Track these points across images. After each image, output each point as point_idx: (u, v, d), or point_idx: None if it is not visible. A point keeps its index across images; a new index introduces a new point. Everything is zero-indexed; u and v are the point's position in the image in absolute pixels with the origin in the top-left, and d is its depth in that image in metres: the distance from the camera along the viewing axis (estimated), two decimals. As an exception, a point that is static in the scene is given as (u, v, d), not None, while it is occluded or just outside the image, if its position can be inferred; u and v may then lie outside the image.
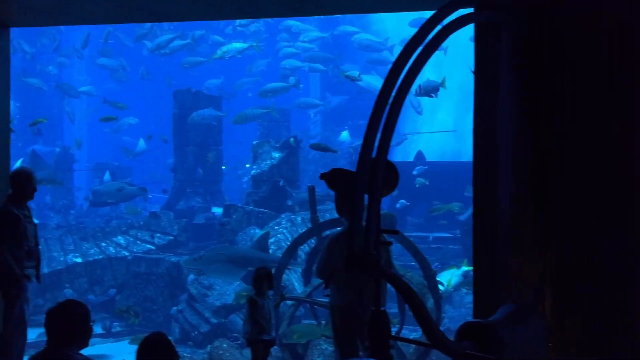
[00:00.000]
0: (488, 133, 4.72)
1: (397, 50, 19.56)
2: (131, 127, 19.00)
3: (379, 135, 3.17)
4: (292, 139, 13.61)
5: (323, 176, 3.49)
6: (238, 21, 19.12)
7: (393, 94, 3.16)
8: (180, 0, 5.68)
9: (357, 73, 11.43)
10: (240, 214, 12.20)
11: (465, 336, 3.24)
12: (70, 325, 3.61)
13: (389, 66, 3.24)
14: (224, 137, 16.78)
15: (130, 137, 20.01)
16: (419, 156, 15.23)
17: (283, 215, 11.97)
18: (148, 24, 18.39)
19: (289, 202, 12.52)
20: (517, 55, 3.94)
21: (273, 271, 6.10)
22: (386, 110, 3.17)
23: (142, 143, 18.76)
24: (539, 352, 3.58)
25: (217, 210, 14.25)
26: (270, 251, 10.85)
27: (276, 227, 11.45)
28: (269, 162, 13.40)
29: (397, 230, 3.72)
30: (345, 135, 18.52)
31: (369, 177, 2.91)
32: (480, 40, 4.73)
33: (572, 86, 3.64)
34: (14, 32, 6.46)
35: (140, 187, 15.85)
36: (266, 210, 12.22)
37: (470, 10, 4.70)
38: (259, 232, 11.78)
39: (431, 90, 11.58)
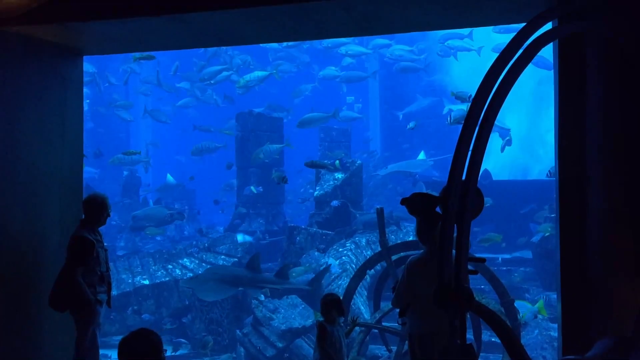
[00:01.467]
0: (575, 150, 4.43)
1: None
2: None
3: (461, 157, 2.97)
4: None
5: (404, 201, 3.31)
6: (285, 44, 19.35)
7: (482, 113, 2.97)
8: (248, 24, 5.66)
9: (469, 94, 11.23)
10: (304, 236, 12.09)
11: (566, 375, 2.98)
12: (144, 356, 3.53)
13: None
14: (286, 158, 16.83)
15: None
16: (486, 175, 14.79)
17: (347, 237, 11.79)
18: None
19: (353, 226, 12.35)
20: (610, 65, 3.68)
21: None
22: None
23: (170, 178, 19.26)
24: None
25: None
26: (335, 274, 10.70)
27: (340, 249, 11.28)
28: (332, 183, 13.29)
29: (484, 258, 3.49)
30: (421, 155, 18.20)
31: (459, 203, 2.73)
32: (562, 54, 4.48)
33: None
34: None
35: (178, 211, 16.15)
36: (330, 232, 12.07)
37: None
38: (318, 256, 11.69)
39: (461, 119, 11.33)
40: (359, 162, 13.58)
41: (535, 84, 18.03)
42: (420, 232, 4.07)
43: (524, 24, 6.07)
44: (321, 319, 5.36)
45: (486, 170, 14.89)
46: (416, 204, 3.33)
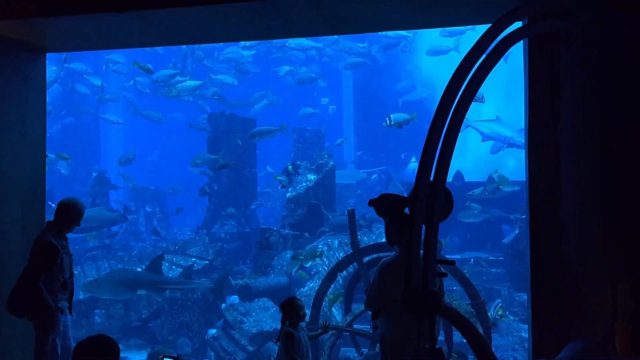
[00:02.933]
0: (546, 151, 4.39)
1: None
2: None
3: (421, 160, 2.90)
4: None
5: (372, 202, 3.22)
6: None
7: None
8: (215, 21, 5.54)
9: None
10: (277, 238, 11.96)
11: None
12: None
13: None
14: (258, 160, 16.69)
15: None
16: (458, 176, 14.82)
17: (319, 239, 11.69)
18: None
19: (325, 228, 12.27)
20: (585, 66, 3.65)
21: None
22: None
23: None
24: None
25: None
26: (309, 276, 10.60)
27: (313, 251, 11.16)
28: (304, 184, 13.18)
29: (453, 260, 3.42)
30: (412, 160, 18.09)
31: (427, 205, 2.65)
32: (533, 55, 4.44)
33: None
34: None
35: (120, 213, 15.84)
36: (302, 234, 11.96)
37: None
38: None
39: (402, 122, 11.45)
40: (331, 163, 13.50)
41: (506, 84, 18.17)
42: (389, 234, 3.98)
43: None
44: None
45: (458, 172, 14.93)
46: (383, 205, 3.25)
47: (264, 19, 5.47)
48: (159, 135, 29.63)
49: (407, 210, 3.59)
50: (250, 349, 9.80)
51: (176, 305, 11.46)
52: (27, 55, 6.33)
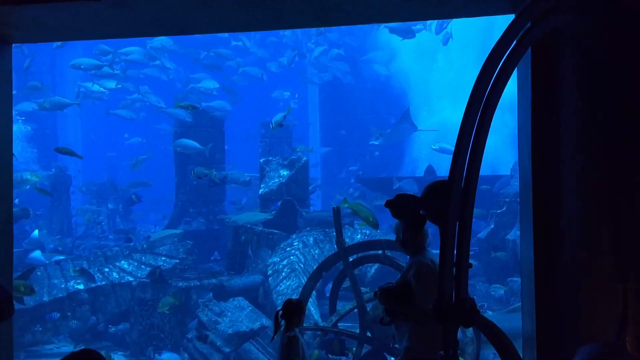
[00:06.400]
0: (547, 151, 4.29)
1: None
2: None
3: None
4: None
5: (389, 203, 3.04)
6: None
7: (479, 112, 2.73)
8: (199, 11, 5.25)
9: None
10: (250, 235, 11.69)
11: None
12: None
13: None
14: (227, 156, 16.35)
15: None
16: (430, 170, 14.82)
17: (294, 236, 11.47)
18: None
19: (300, 222, 12.05)
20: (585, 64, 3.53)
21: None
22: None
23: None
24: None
25: None
26: (282, 274, 10.38)
27: (288, 249, 10.95)
28: (277, 180, 12.93)
29: (470, 263, 3.27)
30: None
31: (460, 204, 2.48)
32: (537, 57, 4.31)
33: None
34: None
35: (22, 207, 15.21)
36: (276, 231, 11.71)
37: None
38: (264, 255, 11.32)
39: (280, 120, 11.58)
40: (304, 158, 13.28)
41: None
42: (407, 237, 3.74)
43: (484, 17, 5.94)
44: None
45: (430, 166, 14.93)
46: (401, 207, 3.07)
47: (249, 10, 5.21)
48: (118, 129, 28.82)
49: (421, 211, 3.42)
50: (227, 350, 9.54)
51: (146, 306, 11.10)
52: (-9, 47, 5.90)
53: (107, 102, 18.71)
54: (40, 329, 11.20)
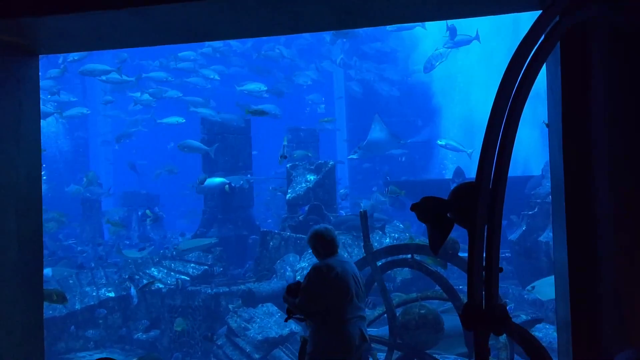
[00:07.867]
0: (580, 148, 4.16)
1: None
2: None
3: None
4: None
5: (415, 207, 2.94)
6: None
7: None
8: (221, 17, 5.22)
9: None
10: (278, 241, 11.65)
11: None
12: None
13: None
14: (254, 162, 16.37)
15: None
16: (458, 172, 14.59)
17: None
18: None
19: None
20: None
21: None
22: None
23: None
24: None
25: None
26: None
27: (316, 254, 10.86)
28: (304, 185, 12.87)
29: (501, 267, 3.15)
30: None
31: (488, 205, 2.37)
32: (566, 45, 4.18)
33: None
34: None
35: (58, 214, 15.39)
36: (304, 236, 11.62)
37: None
38: (293, 260, 11.26)
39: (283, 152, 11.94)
40: (331, 163, 13.20)
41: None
42: (434, 241, 3.63)
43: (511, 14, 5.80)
44: None
45: (458, 168, 14.71)
46: (427, 210, 2.97)
47: (269, 13, 5.16)
48: (150, 139, 29.11)
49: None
50: (256, 356, 9.51)
51: (176, 313, 11.15)
52: (19, 58, 5.97)
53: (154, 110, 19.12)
54: (72, 335, 11.34)
